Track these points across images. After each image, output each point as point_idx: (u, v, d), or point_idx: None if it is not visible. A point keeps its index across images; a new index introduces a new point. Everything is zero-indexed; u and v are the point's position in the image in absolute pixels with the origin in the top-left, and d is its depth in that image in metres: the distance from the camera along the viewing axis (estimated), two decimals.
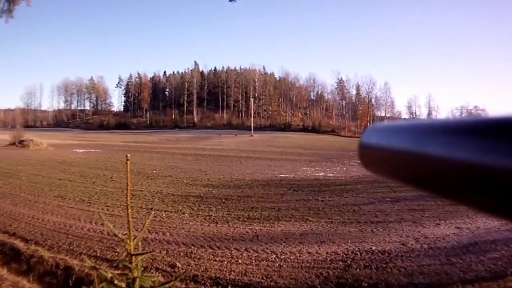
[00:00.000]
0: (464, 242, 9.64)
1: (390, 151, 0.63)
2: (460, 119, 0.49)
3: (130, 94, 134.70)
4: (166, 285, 5.03)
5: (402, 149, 0.59)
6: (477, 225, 11.13)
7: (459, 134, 0.46)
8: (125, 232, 4.87)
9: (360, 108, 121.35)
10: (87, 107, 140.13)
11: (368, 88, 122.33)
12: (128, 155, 4.98)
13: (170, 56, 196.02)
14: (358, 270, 7.95)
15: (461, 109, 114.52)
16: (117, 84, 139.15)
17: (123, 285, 4.54)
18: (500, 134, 0.40)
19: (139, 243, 4.91)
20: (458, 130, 0.47)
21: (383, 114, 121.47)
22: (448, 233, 10.41)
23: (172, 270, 7.82)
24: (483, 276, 7.62)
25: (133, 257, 4.64)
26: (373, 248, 9.21)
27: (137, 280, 4.60)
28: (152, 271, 7.56)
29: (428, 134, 0.53)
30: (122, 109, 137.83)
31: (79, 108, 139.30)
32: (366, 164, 0.76)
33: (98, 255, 8.62)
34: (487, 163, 0.39)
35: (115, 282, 4.54)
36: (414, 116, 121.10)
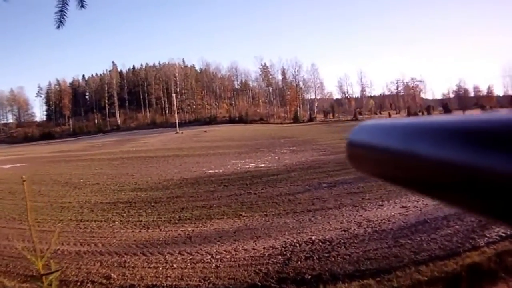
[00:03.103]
0: (412, 222, 9.46)
1: (385, 151, 0.61)
2: (461, 116, 0.46)
3: (51, 103, 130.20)
4: None
5: (399, 149, 0.56)
6: (424, 202, 10.88)
7: (463, 133, 0.44)
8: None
9: (288, 92, 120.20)
10: (11, 120, 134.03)
11: (295, 72, 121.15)
12: (24, 176, 4.87)
13: (88, 58, 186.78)
14: (299, 262, 7.67)
15: (396, 83, 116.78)
16: (37, 93, 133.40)
17: None
18: (503, 139, 0.38)
19: (51, 260, 4.83)
20: (462, 129, 0.45)
21: (313, 97, 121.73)
22: (393, 213, 10.22)
23: (108, 281, 7.37)
24: (438, 255, 7.37)
25: (43, 277, 4.49)
26: (313, 238, 8.96)
27: None
28: (88, 285, 7.20)
29: (428, 133, 0.51)
30: (45, 119, 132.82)
31: (2, 121, 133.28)
32: (355, 164, 0.74)
33: (34, 274, 7.51)
34: (493, 167, 0.38)
35: None
36: (346, 94, 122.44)
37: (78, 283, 7.19)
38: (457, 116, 0.46)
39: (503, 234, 7.94)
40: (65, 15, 3.64)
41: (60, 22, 3.71)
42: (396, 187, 0.61)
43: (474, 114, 0.45)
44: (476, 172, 0.38)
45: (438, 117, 0.49)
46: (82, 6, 3.78)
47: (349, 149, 0.76)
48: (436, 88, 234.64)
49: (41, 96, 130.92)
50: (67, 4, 3.70)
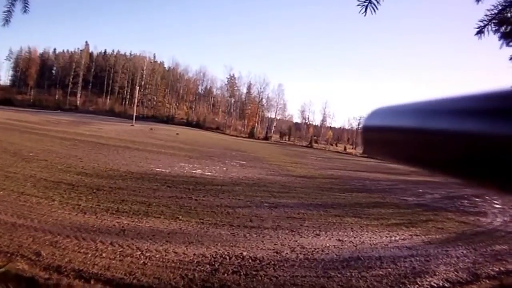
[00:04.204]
0: (345, 256, 9.52)
1: (402, 132, 0.63)
2: (471, 93, 0.48)
3: (18, 69, 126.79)
4: None
5: (416, 129, 0.57)
6: (361, 239, 11.08)
7: (480, 105, 0.46)
8: None
9: (249, 107, 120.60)
10: None
11: (260, 88, 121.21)
12: None
13: (63, 33, 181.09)
14: (225, 275, 7.71)
15: (359, 119, 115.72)
16: (6, 57, 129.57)
17: None
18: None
19: None
20: (478, 101, 0.47)
21: (273, 116, 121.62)
22: (328, 245, 10.26)
23: (37, 258, 7.29)
24: None
25: None
26: (244, 253, 8.96)
27: None
28: (18, 257, 7.13)
29: (444, 110, 0.52)
30: (8, 84, 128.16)
31: None
32: (371, 148, 0.76)
33: None
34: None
35: None
36: (306, 120, 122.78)
37: (8, 255, 7.10)
38: (470, 92, 0.47)
39: (435, 285, 8.05)
40: (11, 15, 3.95)
41: (6, 21, 3.94)
42: (414, 168, 0.63)
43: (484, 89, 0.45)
44: (495, 143, 0.39)
45: (453, 95, 0.50)
46: (25, 11, 4.11)
47: (364, 134, 0.79)
48: None
49: (9, 60, 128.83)
50: (13, 6, 3.96)
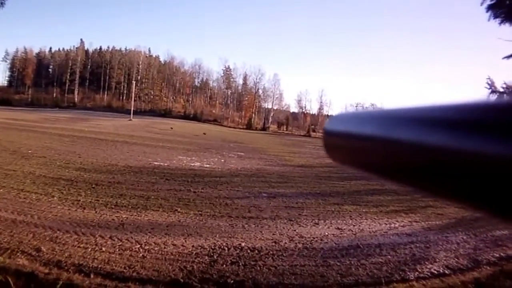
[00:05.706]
0: (345, 244, 9.44)
1: (362, 139, 0.63)
2: (439, 104, 0.48)
3: (14, 69, 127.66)
4: None
5: (376, 136, 0.57)
6: (360, 227, 10.99)
7: (442, 118, 0.45)
8: None
9: (246, 98, 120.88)
10: None
11: (256, 79, 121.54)
12: None
13: (58, 31, 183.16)
14: (224, 266, 7.68)
15: (356, 106, 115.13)
16: (3, 58, 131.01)
17: None
18: (477, 121, 0.40)
19: None
20: (440, 113, 0.46)
21: (270, 106, 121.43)
22: (327, 233, 10.20)
23: (37, 254, 7.31)
24: (364, 281, 7.40)
25: None
26: (243, 244, 8.93)
27: None
28: (18, 253, 7.17)
29: (405, 120, 0.53)
30: (6, 85, 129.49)
31: None
32: (332, 154, 0.76)
33: None
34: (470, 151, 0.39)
35: None
36: (303, 110, 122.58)
37: (9, 251, 7.11)
38: (436, 103, 0.47)
39: (435, 272, 7.97)
40: None
41: (1, 3, 3.87)
42: (374, 176, 0.61)
43: (454, 101, 0.44)
44: (457, 157, 0.39)
45: (418, 104, 0.50)
46: None
47: (325, 139, 0.77)
48: None
49: (6, 61, 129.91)
50: None
